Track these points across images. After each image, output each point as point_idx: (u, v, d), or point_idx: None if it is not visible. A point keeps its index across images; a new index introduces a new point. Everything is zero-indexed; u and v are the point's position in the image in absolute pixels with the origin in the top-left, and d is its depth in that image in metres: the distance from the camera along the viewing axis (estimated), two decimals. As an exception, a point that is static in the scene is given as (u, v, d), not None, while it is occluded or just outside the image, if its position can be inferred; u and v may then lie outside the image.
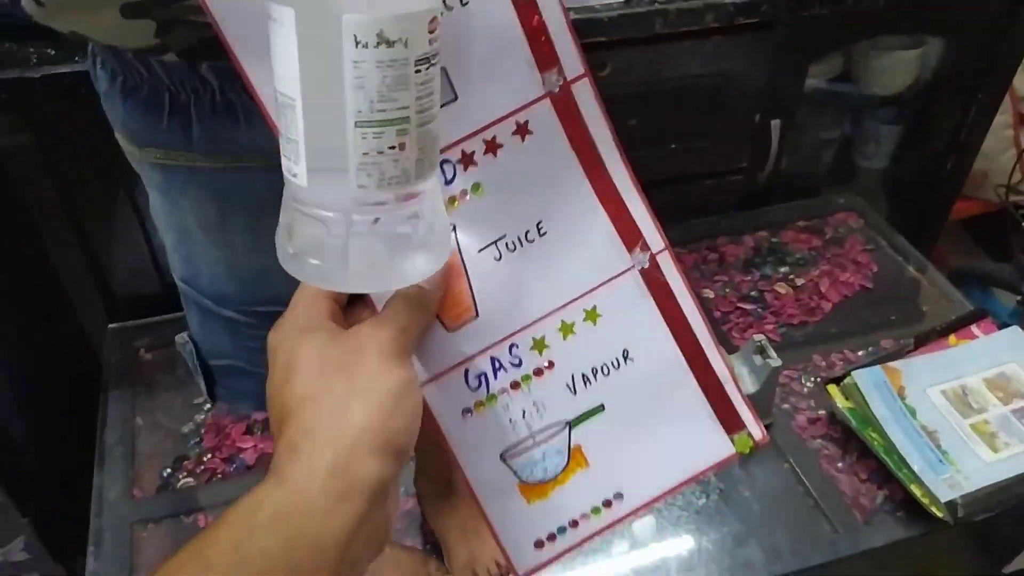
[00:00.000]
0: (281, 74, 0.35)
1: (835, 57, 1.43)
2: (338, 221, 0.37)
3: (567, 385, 0.45)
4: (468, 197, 0.43)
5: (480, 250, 0.43)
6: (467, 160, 0.42)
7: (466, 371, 0.44)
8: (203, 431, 1.03)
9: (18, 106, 0.94)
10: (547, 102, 0.43)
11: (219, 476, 0.98)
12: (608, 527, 0.47)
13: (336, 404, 0.36)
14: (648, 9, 1.02)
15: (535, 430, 0.45)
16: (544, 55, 0.42)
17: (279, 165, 0.38)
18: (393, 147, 0.36)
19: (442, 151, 0.41)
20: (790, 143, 1.40)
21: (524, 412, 0.45)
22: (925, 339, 1.06)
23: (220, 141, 0.66)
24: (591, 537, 0.47)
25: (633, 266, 0.46)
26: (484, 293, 0.44)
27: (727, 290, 1.22)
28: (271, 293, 0.72)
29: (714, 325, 1.15)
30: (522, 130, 0.43)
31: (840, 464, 0.98)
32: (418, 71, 0.35)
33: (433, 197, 0.39)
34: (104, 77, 0.66)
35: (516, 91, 0.42)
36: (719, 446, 0.47)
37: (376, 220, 0.37)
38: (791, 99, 1.25)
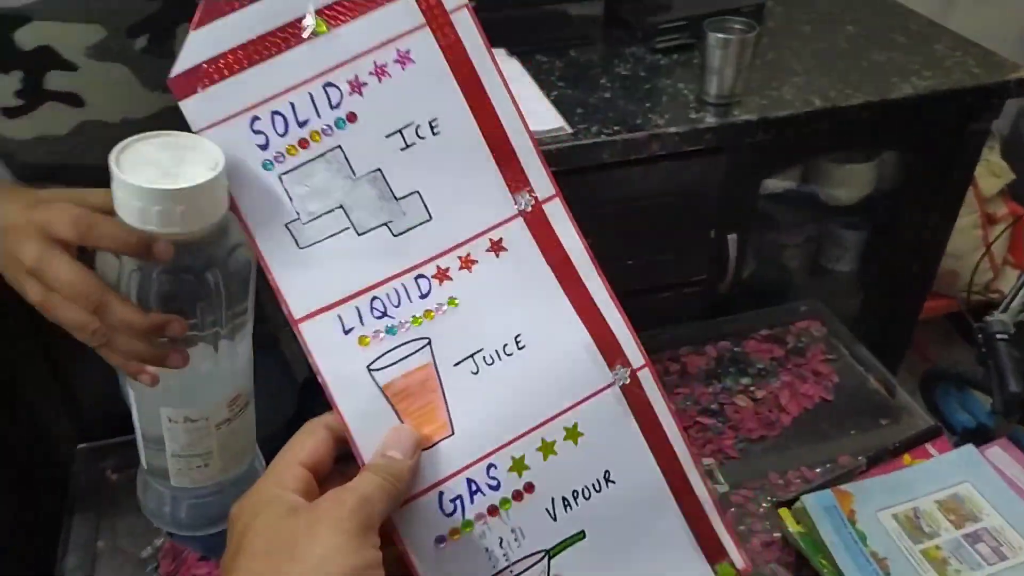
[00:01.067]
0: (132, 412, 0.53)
1: (796, 168, 1.48)
2: (169, 494, 0.54)
3: (547, 510, 0.44)
4: (444, 310, 0.44)
5: (457, 363, 0.44)
6: (442, 275, 0.44)
7: (440, 494, 0.42)
8: (160, 556, 1.04)
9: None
10: (520, 220, 0.46)
11: (172, 605, 0.98)
12: None
13: None
14: (594, 141, 1.06)
15: (513, 560, 0.43)
16: (515, 177, 0.45)
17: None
18: (200, 466, 0.49)
19: (417, 266, 0.44)
20: (752, 251, 1.44)
21: (502, 540, 0.43)
22: (878, 459, 1.07)
23: None
24: None
25: (614, 382, 0.46)
26: (460, 409, 0.43)
27: (687, 403, 1.23)
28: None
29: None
30: (496, 247, 0.45)
31: (793, 590, 0.98)
32: (219, 428, 0.48)
33: (237, 471, 0.53)
34: None
35: (489, 211, 0.45)
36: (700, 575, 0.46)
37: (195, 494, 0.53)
38: (745, 214, 1.29)
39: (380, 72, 0.42)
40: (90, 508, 1.10)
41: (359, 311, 0.43)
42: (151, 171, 0.48)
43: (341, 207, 0.43)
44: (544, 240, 0.46)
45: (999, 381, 1.11)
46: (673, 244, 1.24)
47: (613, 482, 0.45)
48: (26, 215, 0.58)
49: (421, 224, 0.44)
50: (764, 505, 1.07)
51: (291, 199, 0.43)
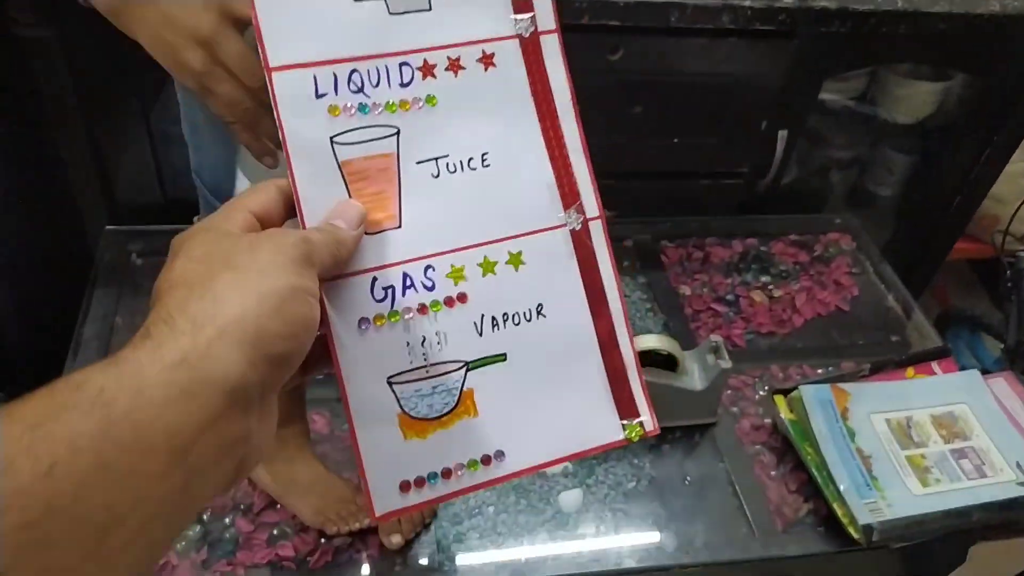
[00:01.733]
0: None
1: (859, 77, 1.43)
2: None
3: (475, 324, 0.44)
4: (421, 105, 0.44)
5: (419, 162, 0.44)
6: (427, 70, 0.44)
7: (374, 279, 0.42)
8: (175, 339, 1.08)
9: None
10: (516, 42, 0.45)
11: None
12: (480, 486, 0.45)
13: (210, 290, 0.32)
14: (664, 3, 1.03)
15: (431, 361, 0.43)
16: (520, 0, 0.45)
17: None
18: None
19: (405, 53, 0.43)
20: (799, 155, 1.41)
21: (424, 339, 0.43)
22: (882, 367, 1.08)
23: None
24: (460, 492, 0.45)
25: (565, 224, 0.46)
26: (412, 205, 0.43)
27: (704, 289, 1.24)
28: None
29: (684, 322, 1.17)
30: (486, 60, 0.45)
31: (773, 473, 1.01)
32: None
33: None
34: None
35: (489, 23, 0.45)
36: (610, 428, 0.47)
37: None
38: (802, 111, 1.25)
39: None
40: (112, 286, 1.14)
41: (336, 78, 0.42)
42: None
43: None
44: (534, 70, 0.46)
45: (1018, 315, 1.12)
46: (722, 130, 1.22)
47: (544, 316, 0.46)
48: None
49: (419, 11, 0.43)
50: (761, 392, 1.10)
51: None
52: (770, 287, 1.26)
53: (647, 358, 0.96)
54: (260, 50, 0.41)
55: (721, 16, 1.05)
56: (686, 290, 1.23)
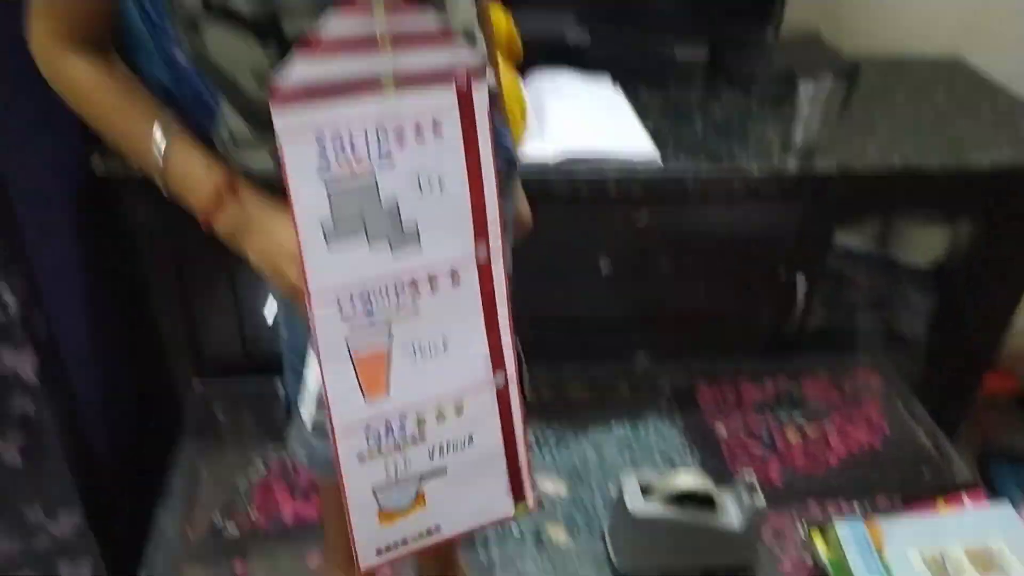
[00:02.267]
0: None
1: (873, 223, 1.54)
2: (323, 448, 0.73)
3: (428, 452, 0.67)
4: (408, 311, 0.62)
5: (404, 351, 0.64)
6: (414, 288, 0.62)
7: (367, 427, 0.64)
8: (255, 489, 1.18)
9: (153, 194, 1.16)
10: (474, 263, 0.64)
11: (261, 532, 1.12)
12: (425, 547, 0.70)
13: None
14: (681, 175, 1.17)
15: (400, 478, 0.67)
16: (480, 232, 0.63)
17: None
18: None
19: (400, 276, 0.61)
20: (824, 298, 1.50)
21: (396, 465, 0.66)
22: (913, 498, 1.13)
23: None
24: (413, 551, 0.70)
25: (493, 383, 0.68)
26: (396, 379, 0.64)
27: (739, 429, 1.31)
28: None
29: (721, 460, 1.24)
30: (455, 277, 0.63)
31: (815, 609, 1.05)
32: None
33: None
34: None
35: (458, 250, 0.63)
36: (506, 508, 0.73)
37: None
38: (817, 257, 1.36)
39: (418, 134, 0.58)
40: (197, 439, 1.26)
41: (353, 300, 0.60)
42: None
43: (363, 221, 0.58)
44: (484, 281, 0.65)
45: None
46: (746, 279, 1.32)
47: (473, 444, 0.68)
48: None
49: (412, 249, 0.61)
50: (800, 531, 1.14)
51: (331, 204, 0.57)
52: (803, 426, 1.33)
53: (684, 499, 1.03)
54: (303, 278, 0.59)
55: (732, 183, 1.19)
56: (722, 429, 1.30)
